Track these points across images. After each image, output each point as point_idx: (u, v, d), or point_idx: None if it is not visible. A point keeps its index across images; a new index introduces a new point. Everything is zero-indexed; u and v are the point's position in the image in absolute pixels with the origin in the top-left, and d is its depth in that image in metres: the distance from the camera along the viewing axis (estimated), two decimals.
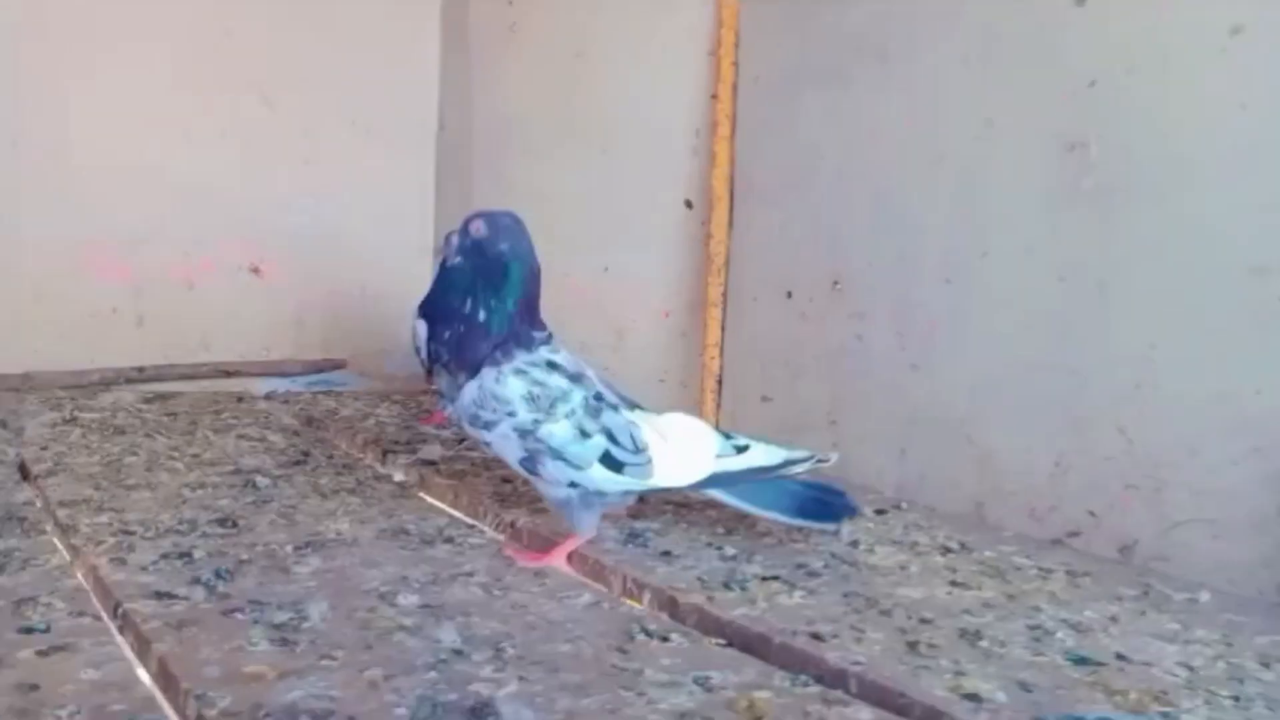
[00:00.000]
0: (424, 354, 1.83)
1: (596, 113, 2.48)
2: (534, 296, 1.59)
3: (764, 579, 1.41)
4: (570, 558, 1.49)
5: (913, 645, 1.20)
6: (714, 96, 2.26)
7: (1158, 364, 1.59)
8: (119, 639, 1.10)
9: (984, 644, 1.22)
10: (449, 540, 1.54)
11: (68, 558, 1.31)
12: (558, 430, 1.46)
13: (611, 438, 1.48)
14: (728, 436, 1.56)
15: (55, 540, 1.39)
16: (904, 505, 1.88)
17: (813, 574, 1.46)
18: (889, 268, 1.94)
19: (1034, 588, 1.47)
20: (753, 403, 2.22)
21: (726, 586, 1.37)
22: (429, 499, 1.81)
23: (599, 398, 1.52)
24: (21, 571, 1.23)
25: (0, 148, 2.17)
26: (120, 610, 1.16)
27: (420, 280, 2.21)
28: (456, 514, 1.72)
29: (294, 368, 2.59)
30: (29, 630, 1.05)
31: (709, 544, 1.56)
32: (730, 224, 2.23)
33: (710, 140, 2.25)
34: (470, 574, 1.39)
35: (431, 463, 1.96)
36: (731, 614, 1.26)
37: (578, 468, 1.46)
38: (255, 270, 2.60)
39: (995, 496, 1.81)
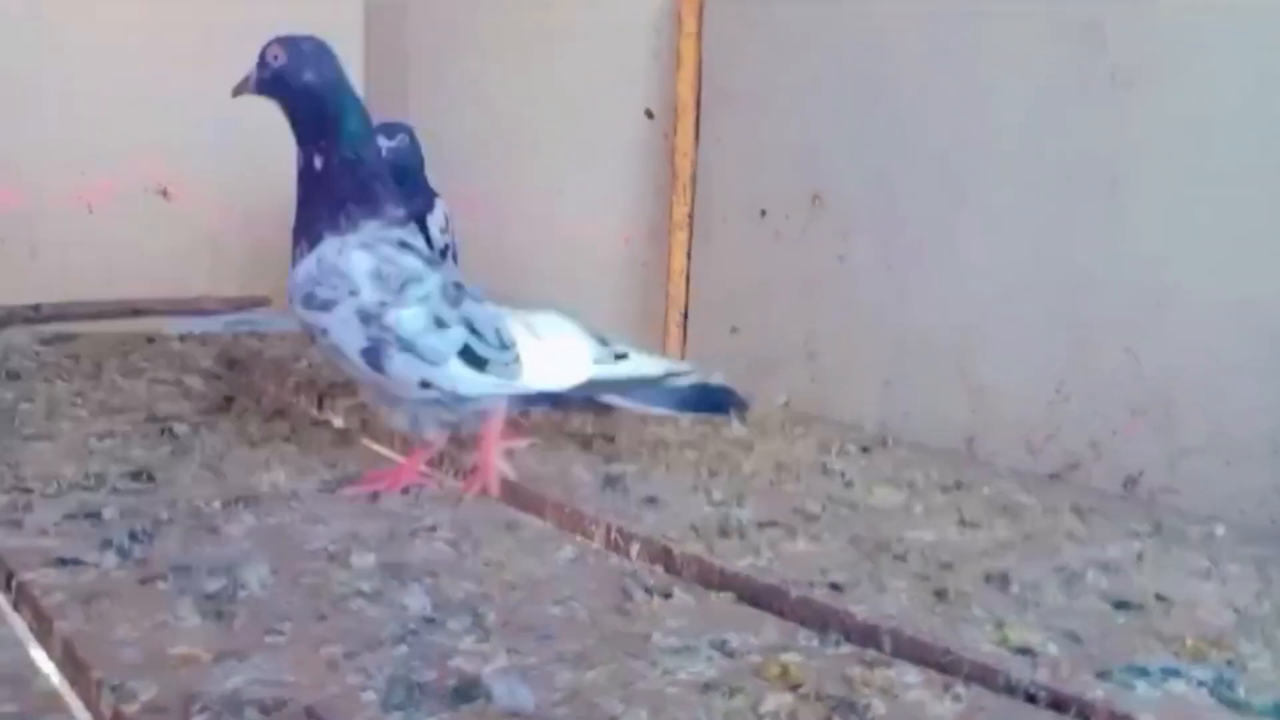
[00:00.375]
0: None
1: (546, 9, 2.25)
2: (376, 152, 1.37)
3: (761, 525, 1.27)
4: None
5: (940, 594, 1.08)
6: None
7: (1173, 270, 1.47)
8: (13, 618, 0.91)
9: (1015, 589, 1.11)
10: (403, 491, 1.36)
11: None
12: (408, 316, 1.25)
13: (473, 329, 1.28)
14: (604, 342, 1.39)
15: None
16: (890, 442, 1.76)
17: (811, 517, 1.33)
18: (875, 181, 1.79)
19: (1048, 525, 1.36)
20: (720, 335, 2.07)
21: (723, 534, 1.22)
22: (374, 445, 1.62)
23: (458, 286, 1.33)
24: None
25: None
26: (14, 582, 0.96)
27: None
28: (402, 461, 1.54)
29: (211, 305, 2.34)
30: None
31: (694, 488, 1.42)
32: (697, 136, 2.04)
33: (674, 39, 2.04)
34: (432, 528, 1.22)
35: (368, 408, 1.76)
36: (736, 565, 1.11)
37: (432, 363, 1.26)
38: (163, 193, 2.32)
39: (989, 430, 1.70)
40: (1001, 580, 1.13)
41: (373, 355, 1.25)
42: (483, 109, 2.27)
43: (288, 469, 1.41)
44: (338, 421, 1.71)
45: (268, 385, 1.90)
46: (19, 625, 0.92)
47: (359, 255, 1.26)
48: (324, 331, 1.27)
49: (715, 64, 2.00)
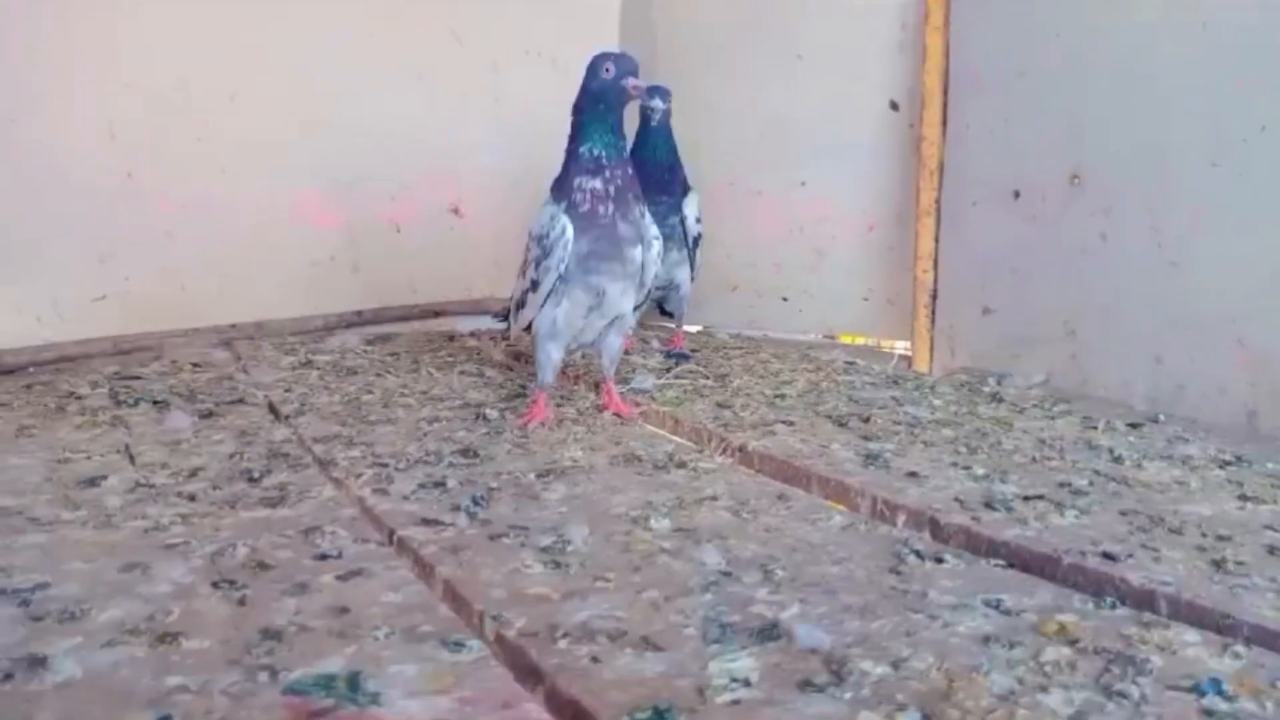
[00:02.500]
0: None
1: (790, 17, 2.35)
2: None
3: (1026, 498, 1.32)
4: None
5: (1218, 564, 1.09)
6: None
7: None
8: (399, 562, 1.14)
9: None
10: (681, 465, 1.52)
11: (335, 491, 1.37)
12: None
13: None
14: None
15: (318, 474, 1.46)
16: (1161, 418, 1.72)
17: (1079, 492, 1.35)
18: (1140, 156, 1.75)
19: None
20: (972, 317, 2.08)
21: (989, 507, 1.28)
22: (649, 426, 1.80)
23: None
24: (300, 503, 1.30)
25: (219, 104, 2.28)
26: (395, 537, 1.20)
27: None
28: (679, 439, 1.71)
29: (496, 305, 2.64)
30: (324, 557, 1.11)
31: (953, 464, 1.48)
32: (944, 123, 2.07)
33: (920, 33, 2.09)
34: (714, 498, 1.37)
35: (644, 391, 1.95)
36: (1004, 534, 1.18)
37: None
38: (455, 211, 2.66)
39: (1272, 402, 1.63)
40: None
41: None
42: (731, 118, 2.40)
43: (581, 446, 1.61)
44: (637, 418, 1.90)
45: (578, 386, 2.14)
46: (406, 569, 1.15)
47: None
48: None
49: (962, 52, 2.02)
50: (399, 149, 2.53)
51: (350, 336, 2.40)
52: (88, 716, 0.76)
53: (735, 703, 0.82)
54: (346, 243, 2.53)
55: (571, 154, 1.67)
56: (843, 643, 0.92)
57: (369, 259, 2.55)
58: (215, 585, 1.01)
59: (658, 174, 2.14)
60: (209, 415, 1.73)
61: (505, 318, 1.95)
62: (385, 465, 1.50)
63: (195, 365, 2.12)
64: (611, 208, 1.63)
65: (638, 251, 1.67)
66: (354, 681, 0.81)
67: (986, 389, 1.94)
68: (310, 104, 2.39)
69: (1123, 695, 0.81)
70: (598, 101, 1.64)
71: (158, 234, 2.25)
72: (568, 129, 1.70)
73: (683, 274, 2.27)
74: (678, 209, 2.18)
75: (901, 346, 2.34)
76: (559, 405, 1.85)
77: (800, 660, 0.89)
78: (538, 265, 1.64)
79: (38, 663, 0.83)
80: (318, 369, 2.11)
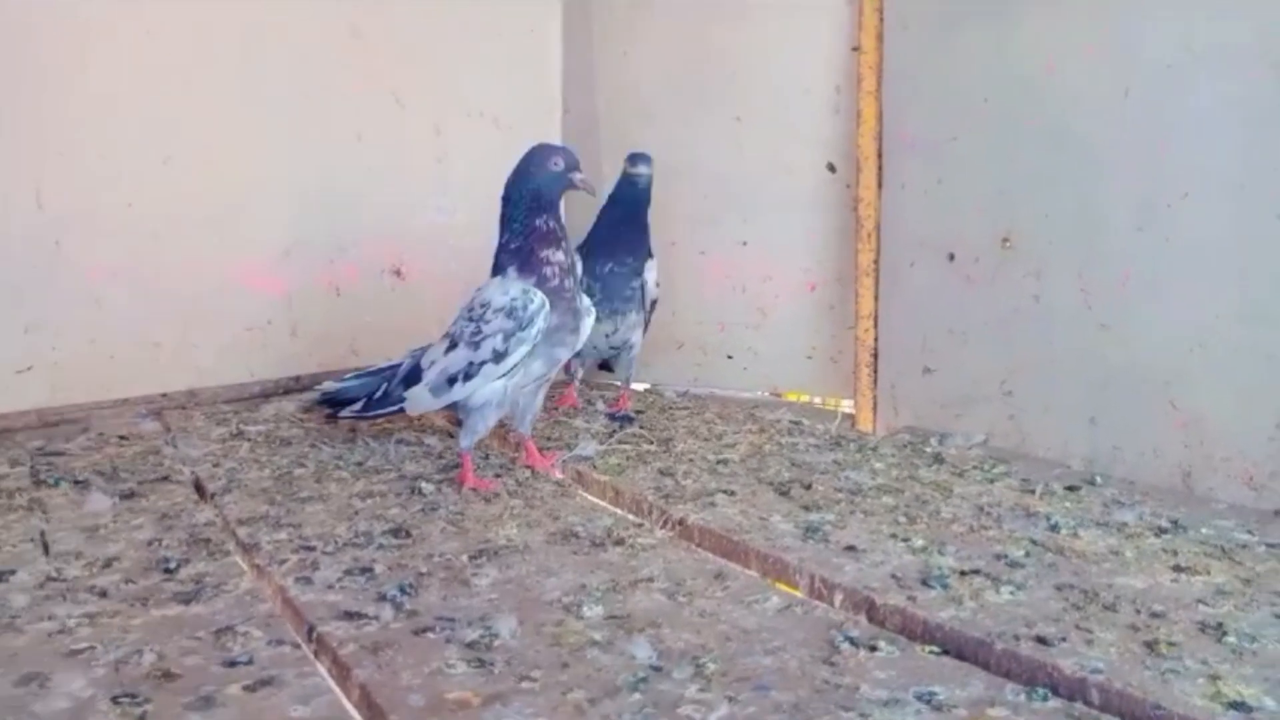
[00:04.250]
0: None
1: (727, 80, 2.38)
2: None
3: (963, 573, 1.31)
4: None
5: (1151, 645, 1.09)
6: (856, 48, 2.12)
7: None
8: (319, 666, 1.10)
9: (1230, 639, 1.10)
10: (619, 542, 1.49)
11: (254, 580, 1.32)
12: None
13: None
14: None
15: (239, 561, 1.41)
16: (1098, 479, 1.73)
17: (1015, 564, 1.35)
18: (1069, 219, 1.78)
19: (1269, 569, 1.32)
20: (913, 376, 2.09)
21: (925, 584, 1.27)
22: (590, 497, 1.77)
23: None
24: (215, 599, 1.25)
25: (151, 169, 2.23)
26: (314, 634, 1.15)
27: None
28: (619, 512, 1.68)
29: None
30: (233, 664, 1.06)
31: (892, 535, 1.47)
32: (880, 185, 2.09)
33: (854, 97, 2.12)
34: (650, 579, 1.34)
35: (586, 458, 1.92)
36: (939, 616, 1.16)
37: None
38: (397, 272, 2.62)
39: (1206, 465, 1.64)
40: (1217, 630, 1.12)
41: None
42: (673, 178, 2.41)
43: (518, 522, 1.57)
44: (556, 474, 1.87)
45: (491, 442, 2.11)
46: (325, 673, 1.10)
47: None
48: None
49: (895, 116, 2.05)
50: (339, 211, 2.50)
51: (287, 403, 2.34)
52: None
53: None
54: (284, 306, 2.48)
55: (529, 229, 1.71)
56: None
57: (308, 322, 2.50)
58: (115, 700, 0.95)
59: (630, 237, 2.17)
60: (130, 496, 1.67)
61: (366, 398, 1.87)
62: (312, 549, 1.45)
63: (122, 438, 2.05)
64: (570, 281, 1.73)
65: (586, 322, 1.80)
66: None
67: (929, 449, 1.94)
68: (247, 167, 2.36)
69: None
70: (542, 193, 1.71)
71: (87, 302, 2.19)
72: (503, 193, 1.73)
73: (636, 336, 2.27)
74: (640, 272, 2.20)
75: (846, 405, 2.34)
76: (498, 476, 1.82)
77: None
78: (507, 338, 1.67)
79: None
80: (249, 440, 2.05)
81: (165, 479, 1.77)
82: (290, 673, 1.04)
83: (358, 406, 1.87)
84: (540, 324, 1.67)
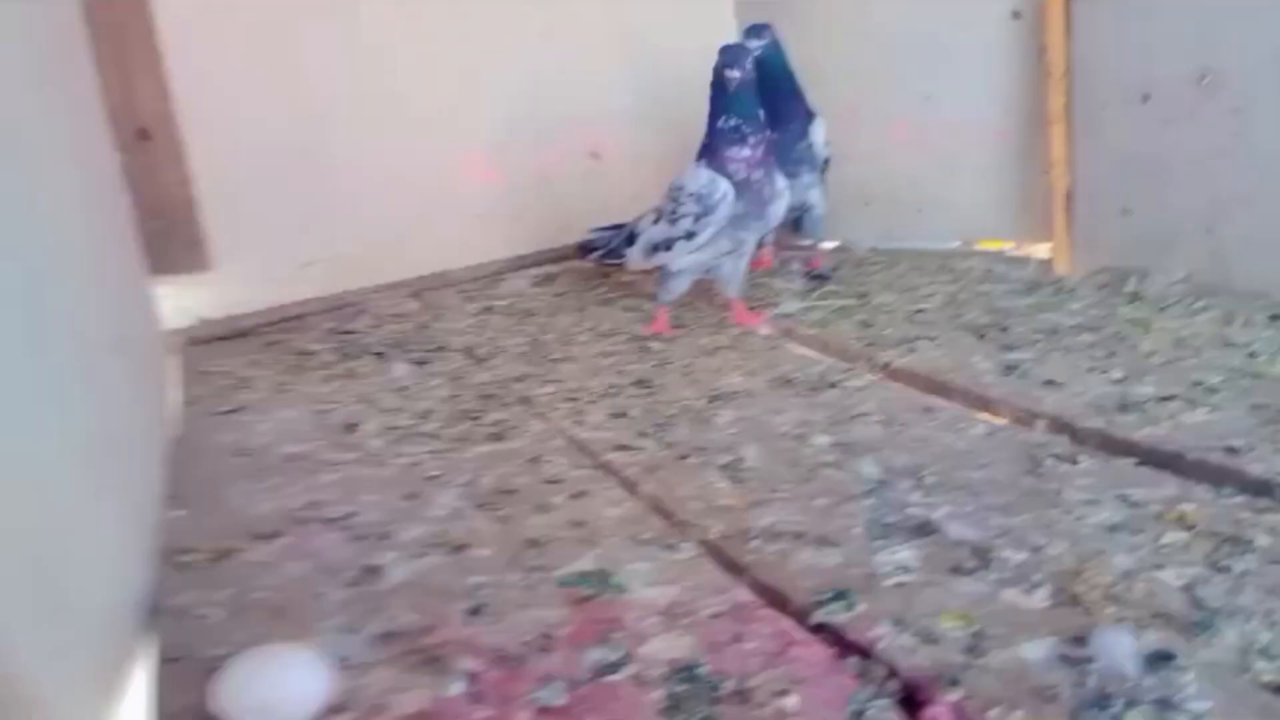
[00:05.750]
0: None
1: None
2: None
3: (1161, 399, 1.44)
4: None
5: None
6: None
7: None
8: (613, 482, 1.39)
9: None
10: (832, 385, 1.71)
11: (541, 425, 1.64)
12: None
13: None
14: None
15: (524, 410, 1.73)
16: None
17: (1211, 390, 1.46)
18: (1269, 53, 1.75)
19: None
20: (1110, 218, 2.14)
21: (1123, 409, 1.42)
22: (799, 348, 1.98)
23: None
24: (518, 437, 1.57)
25: (382, 80, 2.53)
26: (600, 461, 1.45)
27: None
28: (828, 360, 1.88)
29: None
30: (551, 481, 1.37)
31: (1090, 369, 1.60)
32: (1067, 29, 2.09)
33: None
34: (865, 414, 1.55)
35: (791, 315, 2.12)
36: (1137, 435, 1.32)
37: None
38: (594, 155, 2.85)
39: None
40: None
41: None
42: (849, 37, 2.47)
43: (740, 372, 1.82)
44: (764, 330, 2.09)
45: (699, 304, 2.35)
46: (617, 488, 1.39)
47: None
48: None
49: None
50: (540, 105, 2.74)
51: (519, 280, 2.66)
52: (424, 606, 1.04)
53: (899, 585, 1.03)
54: (504, 194, 2.77)
55: (713, 127, 1.96)
56: (987, 536, 1.11)
57: (524, 207, 2.80)
58: (479, 508, 1.29)
59: (779, 103, 2.29)
60: (421, 363, 2.03)
61: (605, 248, 2.32)
62: (576, 399, 1.75)
63: (395, 316, 2.43)
64: (760, 173, 1.94)
65: (774, 207, 2.01)
66: (604, 576, 1.07)
67: (1127, 289, 2.01)
68: (463, 75, 2.62)
69: (1228, 569, 0.98)
70: (716, 94, 1.97)
71: (349, 202, 2.56)
72: (696, 75, 2.00)
73: (815, 196, 2.40)
74: (804, 135, 2.32)
75: (1041, 250, 2.40)
76: (713, 334, 2.06)
77: (951, 551, 1.09)
78: (696, 219, 1.95)
79: (373, 571, 1.13)
80: (498, 313, 2.38)
81: (441, 348, 2.13)
82: (595, 486, 1.34)
83: (599, 253, 2.32)
84: (724, 210, 1.93)
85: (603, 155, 2.87)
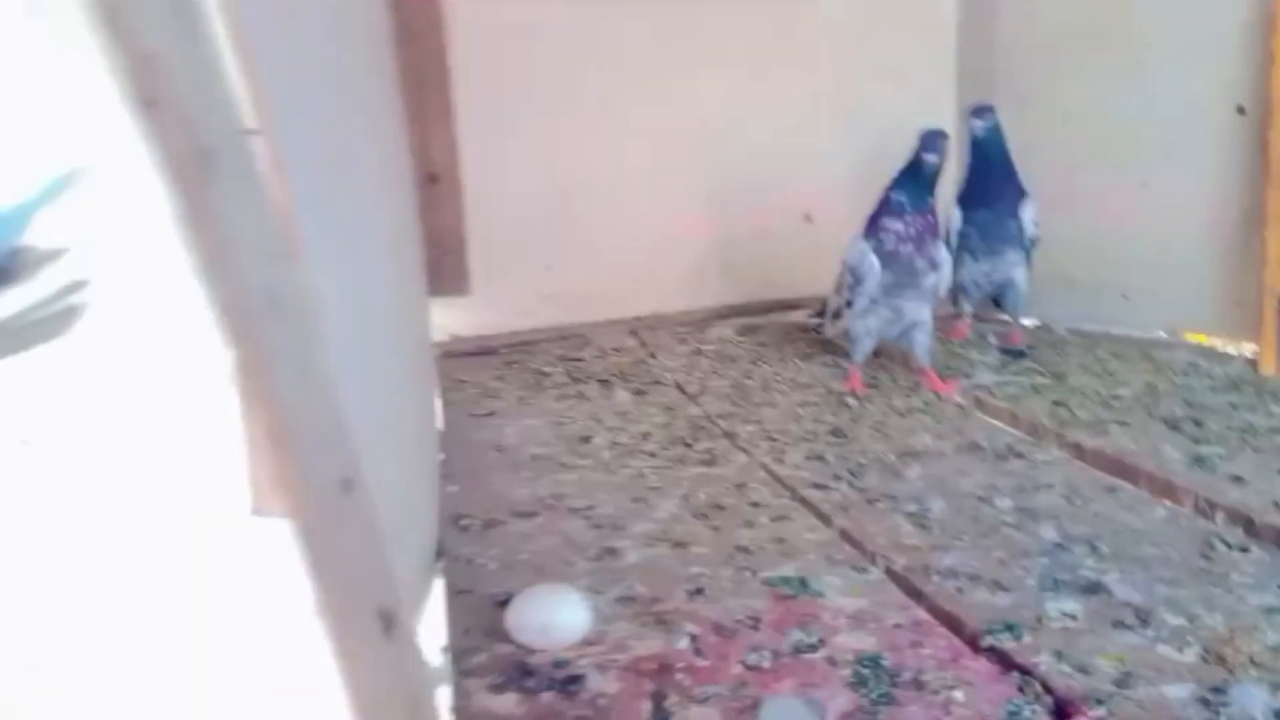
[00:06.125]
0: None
1: (1130, 20, 2.48)
2: None
3: None
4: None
5: None
6: None
7: None
8: (809, 514, 1.60)
9: None
10: (1019, 455, 1.84)
11: (745, 458, 1.86)
12: None
13: None
14: None
15: (729, 444, 1.96)
16: None
17: None
18: None
19: None
20: None
21: None
22: (988, 419, 2.11)
23: None
24: (725, 465, 1.81)
25: (613, 142, 2.88)
26: (798, 495, 1.66)
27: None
28: (1017, 433, 2.01)
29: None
30: (756, 504, 1.60)
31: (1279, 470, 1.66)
32: None
33: (1265, 36, 2.16)
34: (1049, 485, 1.68)
35: (984, 387, 2.26)
36: None
37: None
38: (807, 217, 3.09)
39: None
40: None
41: None
42: (1068, 119, 2.58)
43: (930, 434, 1.97)
44: (957, 398, 2.23)
45: (895, 367, 2.51)
46: (812, 518, 1.58)
47: None
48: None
49: None
50: (759, 169, 3.01)
51: (725, 328, 2.92)
52: (654, 583, 1.30)
53: (1064, 629, 1.18)
54: (718, 248, 3.05)
55: (883, 199, 2.20)
56: (1151, 601, 1.24)
57: (735, 261, 3.06)
58: (695, 516, 1.53)
59: (993, 181, 2.45)
60: (639, 392, 2.31)
61: (819, 316, 2.56)
62: (775, 440, 1.97)
63: (615, 350, 2.74)
64: (911, 247, 2.15)
65: (931, 278, 2.19)
66: (804, 582, 1.29)
67: None
68: (691, 143, 2.94)
69: None
70: (913, 167, 2.18)
71: (586, 245, 2.91)
72: (908, 143, 2.20)
73: (1019, 274, 2.52)
74: (1014, 214, 2.46)
75: (1248, 349, 2.41)
76: (906, 396, 2.22)
77: (1116, 609, 1.23)
78: (851, 289, 2.19)
79: (611, 551, 1.40)
80: (706, 356, 2.64)
81: (657, 382, 2.41)
82: (794, 513, 1.56)
83: (815, 322, 2.62)
84: (873, 281, 2.15)
85: (815, 218, 3.09)
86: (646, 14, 2.85)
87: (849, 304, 2.22)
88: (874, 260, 2.15)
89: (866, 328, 2.23)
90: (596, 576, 1.31)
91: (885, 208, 2.18)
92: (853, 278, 2.20)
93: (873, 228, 2.19)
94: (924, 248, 2.16)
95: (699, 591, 1.27)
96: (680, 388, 2.37)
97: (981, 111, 2.46)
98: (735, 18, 2.92)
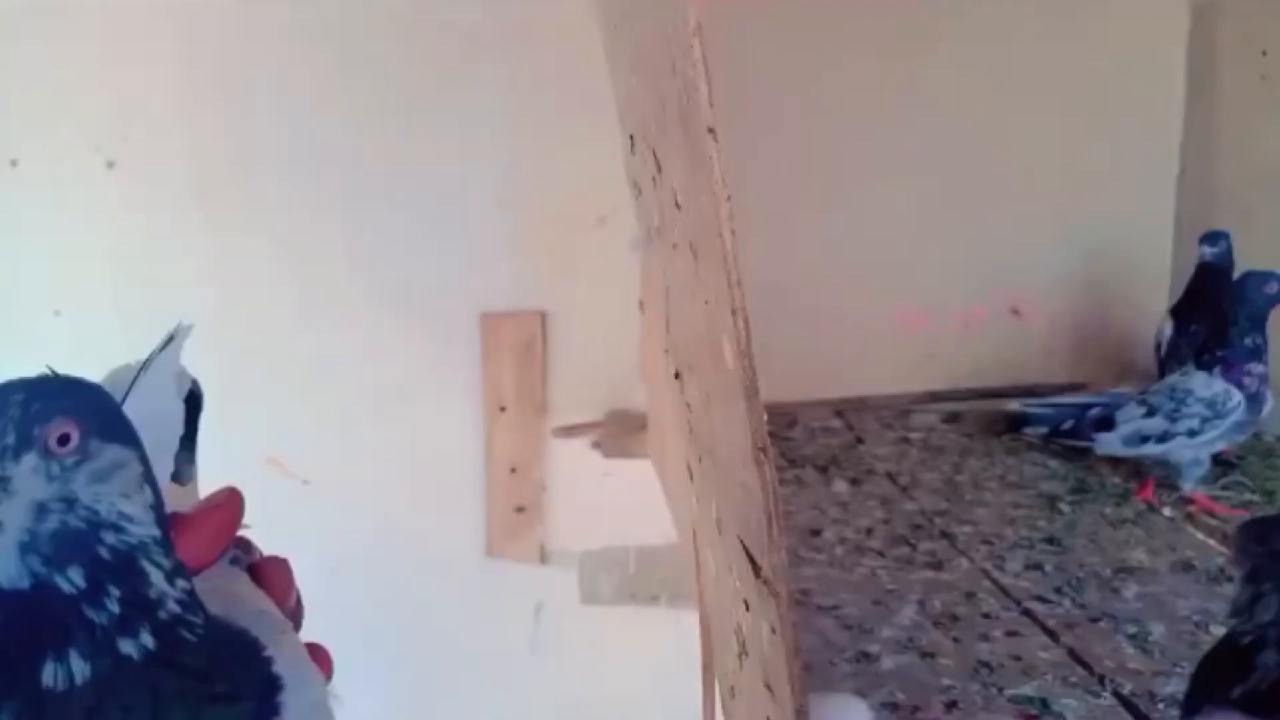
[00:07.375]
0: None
1: None
2: None
3: None
4: None
5: None
6: None
7: None
8: (1036, 628, 1.78)
9: None
10: (1230, 579, 1.95)
11: (967, 563, 2.06)
12: None
13: None
14: None
15: (948, 545, 2.16)
16: None
17: None
18: None
19: None
20: None
21: None
22: (1199, 535, 2.21)
23: None
24: (950, 570, 2.00)
25: (827, 247, 3.11)
26: (1023, 608, 1.85)
27: (1154, 316, 2.77)
28: (1227, 552, 2.11)
29: (1045, 390, 3.16)
30: (987, 616, 1.79)
31: None
32: None
33: None
34: None
35: (1190, 501, 2.35)
36: None
37: None
38: (1015, 312, 3.23)
39: None
40: None
41: None
42: None
43: (1144, 549, 2.10)
44: (1167, 511, 2.34)
45: (1101, 468, 2.62)
46: (1040, 634, 1.77)
47: None
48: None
49: None
50: (973, 265, 3.18)
51: (928, 415, 3.10)
52: (912, 692, 1.53)
53: None
54: (926, 336, 3.24)
55: (1227, 337, 2.26)
56: None
57: (942, 350, 3.24)
58: (935, 625, 1.75)
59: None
60: (855, 482, 2.54)
61: (1057, 426, 2.57)
62: (992, 544, 2.15)
63: (823, 430, 2.97)
64: (1265, 387, 2.26)
65: (1267, 407, 2.29)
66: (1046, 702, 1.49)
67: None
68: (908, 240, 3.14)
69: None
70: (1256, 314, 2.23)
71: (797, 327, 3.15)
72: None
73: None
74: None
75: None
76: (1117, 506, 2.35)
77: None
78: (1203, 422, 2.27)
79: (867, 655, 1.64)
80: (913, 445, 2.84)
81: (870, 471, 2.62)
82: (1025, 629, 1.75)
83: (1044, 429, 2.61)
84: (1233, 419, 2.24)
85: (1023, 313, 3.24)
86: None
87: (1191, 434, 2.29)
88: (1240, 399, 2.24)
89: (1175, 453, 2.32)
90: (858, 680, 1.55)
91: (1242, 350, 2.24)
92: (1210, 412, 2.27)
93: (1232, 369, 2.25)
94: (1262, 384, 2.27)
95: (954, 705, 1.49)
96: (893, 479, 2.57)
97: (1213, 237, 2.55)
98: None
